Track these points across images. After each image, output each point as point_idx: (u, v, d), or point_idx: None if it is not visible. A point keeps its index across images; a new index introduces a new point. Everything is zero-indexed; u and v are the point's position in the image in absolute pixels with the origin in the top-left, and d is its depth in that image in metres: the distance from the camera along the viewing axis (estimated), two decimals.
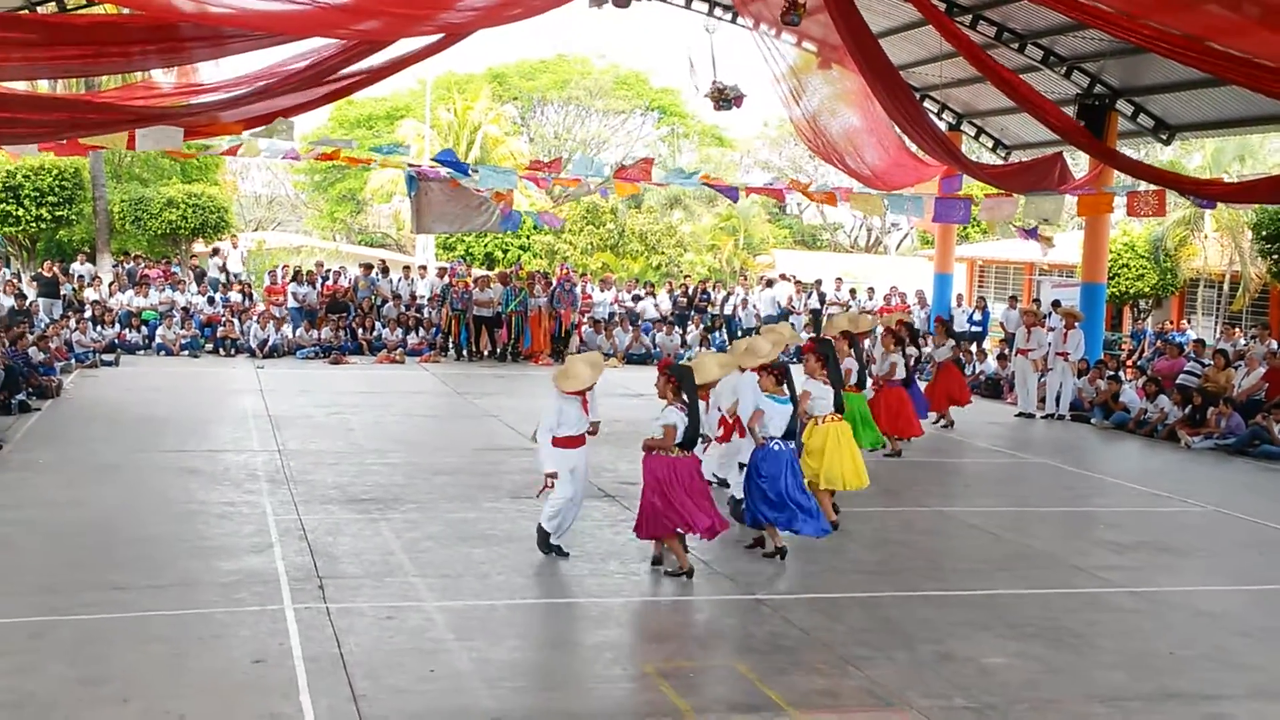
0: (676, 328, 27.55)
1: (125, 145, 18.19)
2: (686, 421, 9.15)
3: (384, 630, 7.86)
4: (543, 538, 9.79)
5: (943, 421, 17.94)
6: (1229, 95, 20.77)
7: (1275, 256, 26.05)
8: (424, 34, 13.43)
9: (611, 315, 27.87)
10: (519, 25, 13.88)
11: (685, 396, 9.24)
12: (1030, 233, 23.19)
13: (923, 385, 17.71)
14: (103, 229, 30.85)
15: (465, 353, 25.64)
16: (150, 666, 7.07)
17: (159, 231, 33.67)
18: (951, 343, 18.97)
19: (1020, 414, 19.92)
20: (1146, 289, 31.27)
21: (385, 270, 28.68)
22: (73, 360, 21.14)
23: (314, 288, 26.88)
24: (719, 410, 10.68)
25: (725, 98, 19.51)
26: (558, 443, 9.57)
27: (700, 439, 9.66)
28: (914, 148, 22.74)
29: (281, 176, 53.58)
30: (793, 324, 27.92)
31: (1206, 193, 19.73)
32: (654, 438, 9.21)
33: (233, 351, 24.57)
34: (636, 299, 29.35)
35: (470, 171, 22.84)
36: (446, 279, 27.58)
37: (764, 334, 11.68)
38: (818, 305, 29.37)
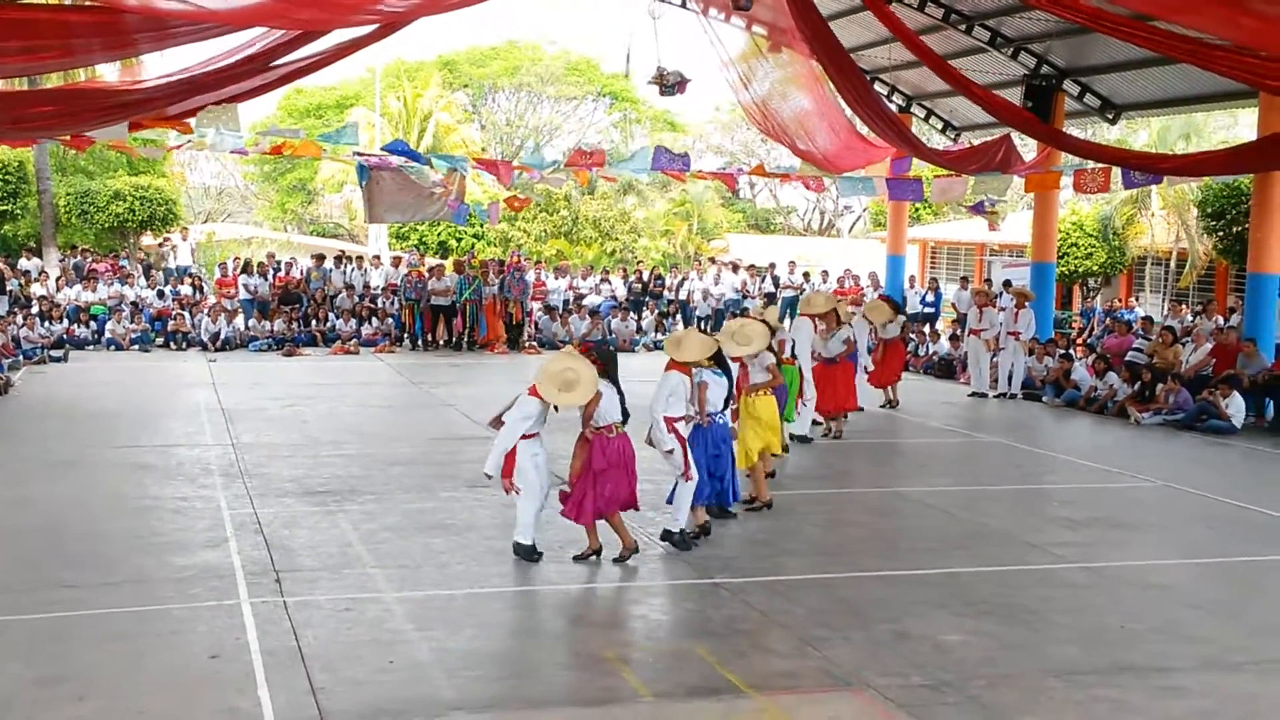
0: (631, 314, 27.56)
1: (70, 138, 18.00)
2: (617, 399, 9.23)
3: (342, 622, 7.83)
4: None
5: (886, 403, 18.09)
6: (1174, 74, 21.01)
7: (1220, 233, 26.39)
8: (365, 23, 13.28)
9: (565, 302, 27.81)
10: (468, 12, 13.76)
11: (611, 375, 9.29)
12: (977, 208, 23.37)
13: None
14: (48, 223, 30.38)
15: (420, 342, 25.53)
16: (107, 664, 7.01)
17: (106, 225, 33.21)
18: (902, 319, 19.04)
19: (973, 393, 20.11)
20: (1095, 267, 31.60)
21: (339, 260, 28.48)
22: (20, 357, 20.87)
23: (265, 279, 26.64)
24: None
25: (668, 83, 19.46)
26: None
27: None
28: (864, 130, 22.88)
29: (231, 168, 53.06)
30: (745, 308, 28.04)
31: (1151, 168, 19.96)
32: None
33: (184, 345, 24.33)
34: (603, 285, 29.20)
35: (425, 161, 22.68)
36: (402, 268, 27.44)
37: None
38: (772, 289, 29.46)
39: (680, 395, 9.75)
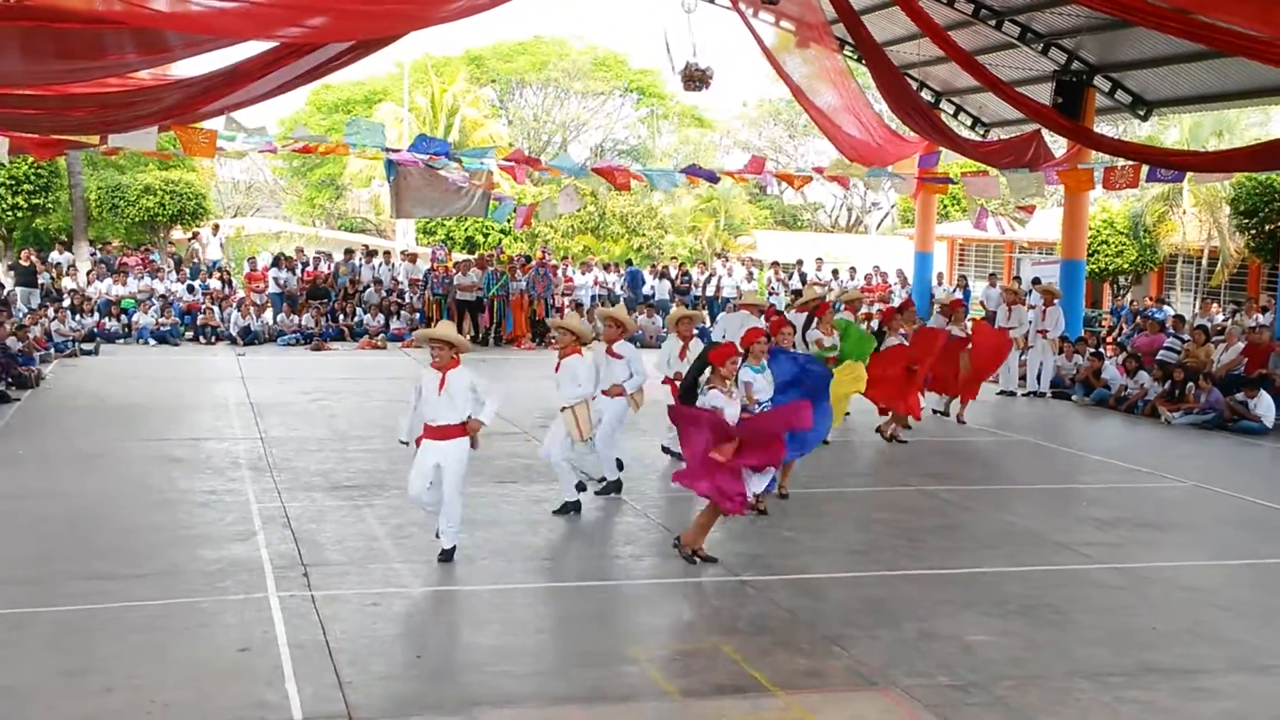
0: (657, 312, 27.54)
1: (99, 144, 18.14)
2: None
3: (369, 617, 7.85)
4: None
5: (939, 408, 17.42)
6: (1205, 70, 20.83)
7: (1253, 231, 26.16)
8: (383, 32, 13.06)
9: (594, 298, 27.82)
10: (497, 6, 13.69)
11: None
12: (980, 219, 23.62)
13: None
14: (79, 217, 30.60)
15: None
16: (134, 656, 7.05)
17: (136, 219, 33.48)
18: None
19: (1002, 392, 19.98)
20: (1126, 265, 31.37)
21: (369, 255, 28.59)
22: (51, 350, 21.04)
23: (294, 273, 26.77)
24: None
25: (696, 78, 19.43)
26: None
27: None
28: (894, 124, 22.80)
29: (259, 162, 53.17)
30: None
31: (1181, 165, 19.79)
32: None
33: (213, 339, 24.48)
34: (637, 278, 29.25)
35: (449, 155, 22.70)
36: (422, 263, 27.54)
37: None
38: (800, 286, 29.36)
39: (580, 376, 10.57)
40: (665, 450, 13.42)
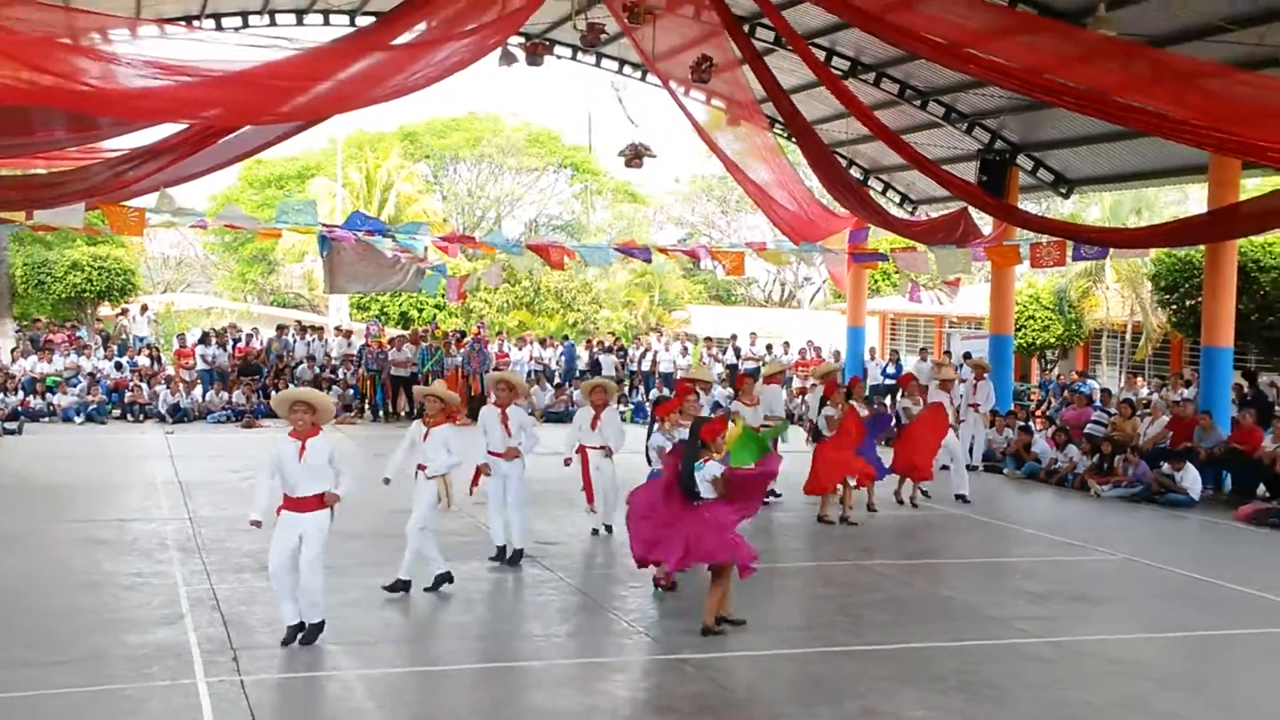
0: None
1: (24, 218, 17.95)
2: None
3: (300, 701, 7.69)
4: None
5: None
6: (1124, 150, 21.43)
7: (1174, 307, 26.76)
8: (285, 119, 13.02)
9: (530, 373, 27.77)
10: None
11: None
12: (913, 292, 24.06)
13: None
14: (4, 293, 30.13)
15: (382, 413, 25.38)
16: None
17: (63, 295, 33.01)
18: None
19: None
20: (1053, 340, 31.96)
21: (301, 330, 28.37)
22: None
23: (224, 350, 26.47)
24: None
25: (640, 155, 19.73)
26: None
27: None
28: (824, 199, 23.17)
29: (190, 237, 52.81)
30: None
31: (1103, 241, 20.26)
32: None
33: (141, 417, 24.07)
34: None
35: (385, 233, 22.71)
36: (356, 339, 27.39)
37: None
38: (734, 360, 29.58)
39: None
40: (596, 531, 13.40)
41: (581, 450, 13.07)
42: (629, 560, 10.26)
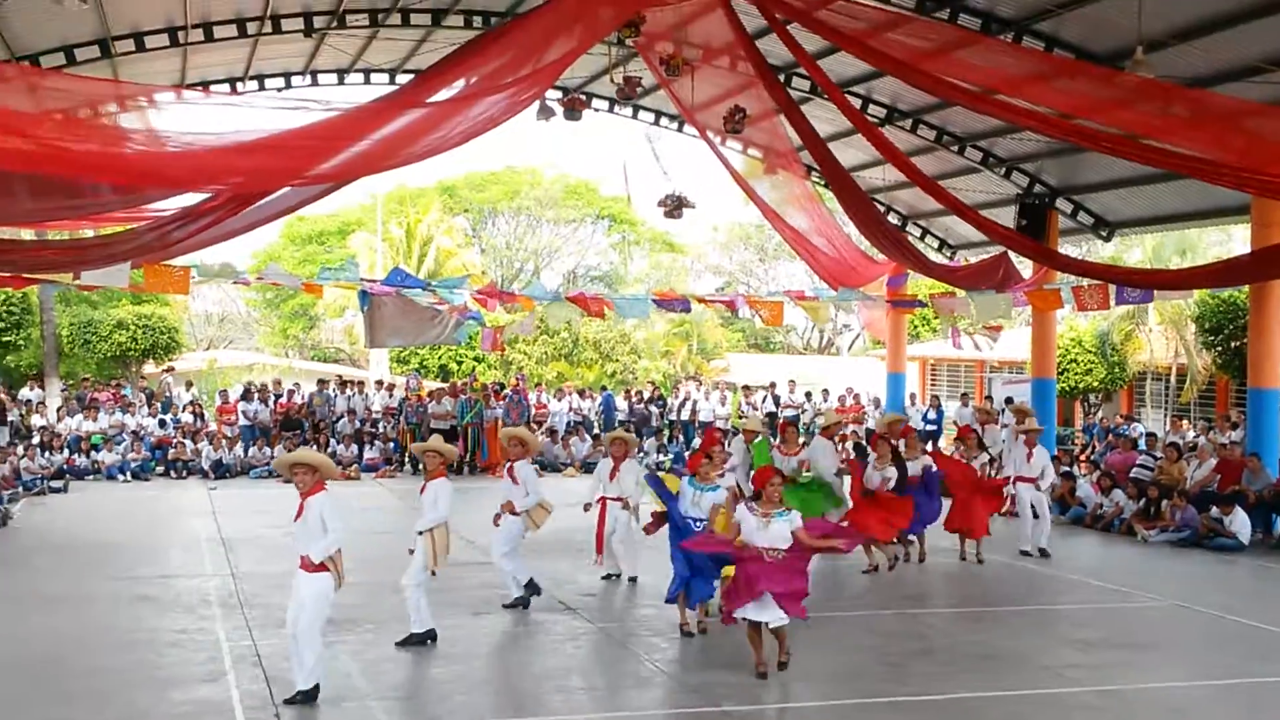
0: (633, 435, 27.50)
1: (71, 278, 18.26)
2: None
3: None
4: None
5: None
6: (1166, 192, 21.30)
7: (1219, 348, 26.49)
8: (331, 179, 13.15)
9: (569, 425, 27.79)
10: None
11: None
12: (955, 337, 23.94)
13: None
14: (51, 353, 30.50)
15: (419, 466, 25.43)
16: None
17: (109, 354, 33.38)
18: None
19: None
20: (1095, 383, 31.64)
21: (342, 385, 28.55)
22: (20, 488, 20.74)
23: (266, 405, 26.67)
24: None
25: (680, 205, 19.88)
26: None
27: None
28: (863, 244, 23.15)
29: (233, 294, 53.42)
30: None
31: (1143, 283, 20.09)
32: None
33: (185, 474, 24.25)
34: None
35: (425, 288, 22.90)
36: (399, 391, 27.51)
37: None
38: (773, 408, 29.48)
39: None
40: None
41: (601, 501, 13.12)
42: (667, 610, 10.19)
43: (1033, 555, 15.81)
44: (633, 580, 13.27)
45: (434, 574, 10.47)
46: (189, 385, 29.78)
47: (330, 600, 8.91)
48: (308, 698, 8.69)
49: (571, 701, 9.03)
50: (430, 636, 10.52)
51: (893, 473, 14.13)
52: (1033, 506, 16.01)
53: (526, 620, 11.60)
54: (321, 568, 8.69)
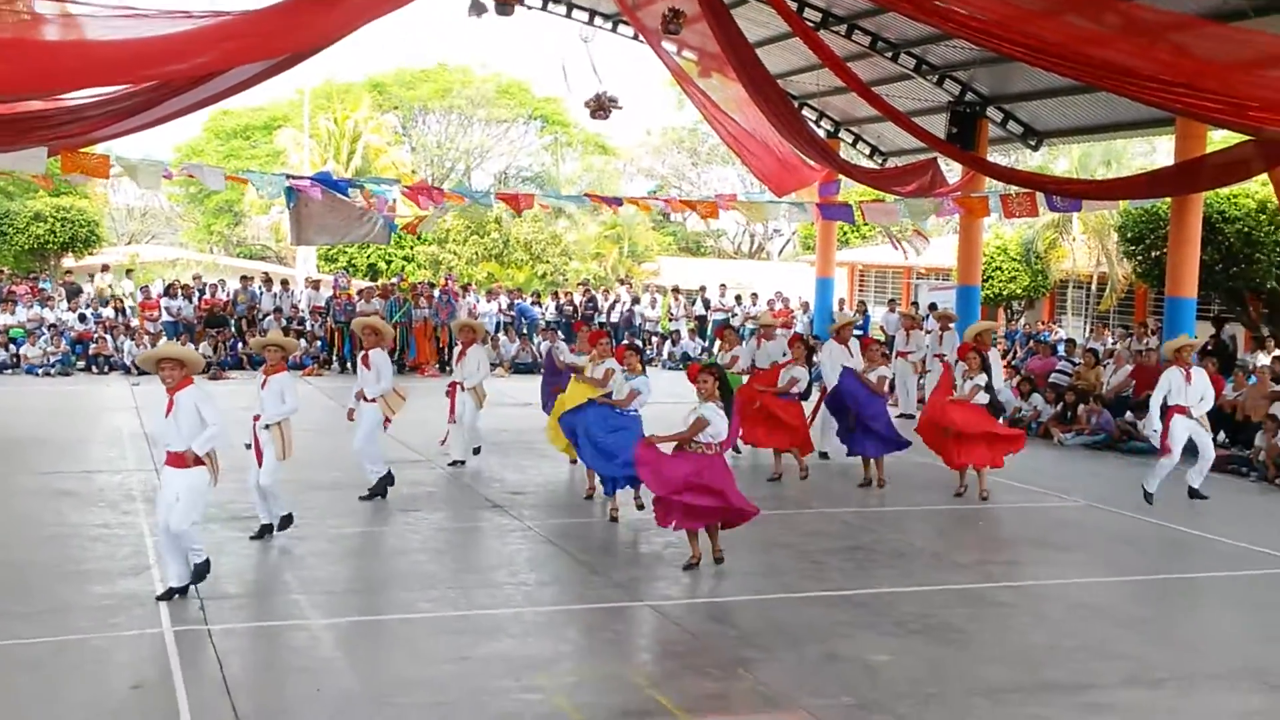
0: (561, 336, 27.49)
1: None
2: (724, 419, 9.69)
3: (267, 650, 7.72)
4: None
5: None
6: (1093, 102, 21.44)
7: (1139, 258, 26.90)
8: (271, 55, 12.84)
9: (498, 324, 27.71)
10: (399, 33, 13.58)
11: (725, 397, 9.77)
12: (893, 242, 23.97)
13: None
14: None
15: (349, 365, 25.29)
16: (21, 697, 6.84)
17: (25, 246, 32.62)
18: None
19: (901, 415, 20.23)
20: (1019, 291, 32.14)
21: (268, 282, 28.17)
22: None
23: (190, 301, 26.27)
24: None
25: (605, 106, 19.59)
26: None
27: None
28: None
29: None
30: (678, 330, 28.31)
31: (1069, 192, 20.32)
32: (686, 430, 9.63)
33: (106, 369, 23.90)
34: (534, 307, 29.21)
35: (349, 189, 22.53)
36: (324, 290, 27.23)
37: None
38: (703, 311, 29.62)
39: None
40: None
41: (452, 386, 14.35)
42: (597, 509, 10.32)
43: None
44: (462, 463, 14.21)
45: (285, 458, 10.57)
46: (129, 273, 29.27)
47: (205, 496, 8.79)
48: (181, 593, 8.60)
49: (495, 596, 9.13)
50: (289, 520, 10.60)
51: (983, 379, 13.78)
52: None
53: (458, 518, 11.67)
54: (198, 462, 8.50)
